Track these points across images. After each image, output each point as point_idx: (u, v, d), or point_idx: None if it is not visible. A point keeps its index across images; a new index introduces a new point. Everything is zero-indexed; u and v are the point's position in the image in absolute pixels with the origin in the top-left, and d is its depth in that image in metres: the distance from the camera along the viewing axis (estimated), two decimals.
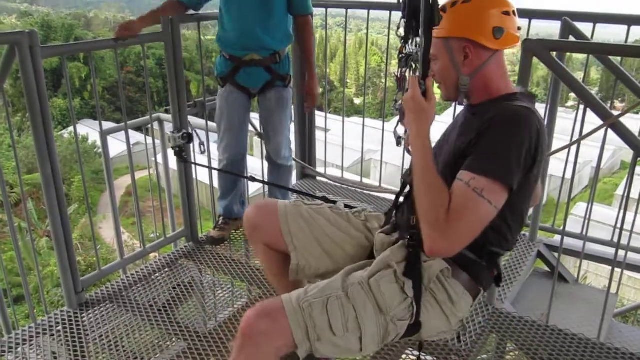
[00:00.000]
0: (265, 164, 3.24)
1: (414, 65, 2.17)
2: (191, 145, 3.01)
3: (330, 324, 1.44)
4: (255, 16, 2.76)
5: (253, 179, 2.79)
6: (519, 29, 1.56)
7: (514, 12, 1.54)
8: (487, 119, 1.43)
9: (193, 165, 3.05)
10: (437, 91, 1.60)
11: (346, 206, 1.97)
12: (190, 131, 2.93)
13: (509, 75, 1.62)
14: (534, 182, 1.51)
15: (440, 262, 1.53)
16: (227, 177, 3.09)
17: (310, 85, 3.11)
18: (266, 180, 3.22)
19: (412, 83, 1.52)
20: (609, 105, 2.52)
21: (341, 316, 1.45)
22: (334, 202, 1.97)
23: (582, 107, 2.32)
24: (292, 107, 3.84)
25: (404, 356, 2.28)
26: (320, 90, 3.28)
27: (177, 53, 2.80)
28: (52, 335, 2.38)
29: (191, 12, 2.93)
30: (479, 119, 1.48)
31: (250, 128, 3.22)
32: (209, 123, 3.20)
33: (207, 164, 3.07)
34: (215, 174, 3.16)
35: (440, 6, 1.50)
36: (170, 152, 3.49)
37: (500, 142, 1.40)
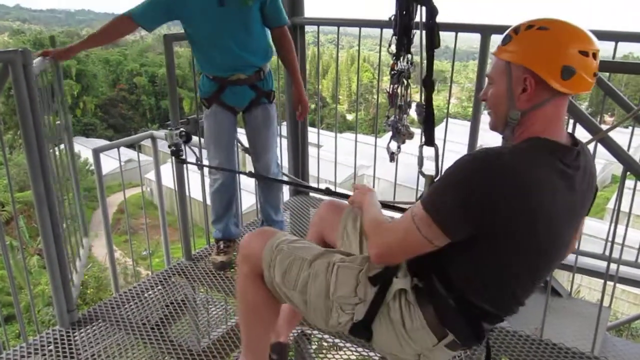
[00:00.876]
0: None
1: (405, 82, 2.20)
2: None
3: (284, 274, 1.66)
4: (234, 35, 2.73)
5: (272, 179, 2.97)
6: (595, 75, 1.35)
7: (594, 54, 1.33)
8: None
9: (187, 182, 3.05)
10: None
11: None
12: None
13: (563, 126, 1.42)
14: (520, 240, 1.34)
15: (404, 282, 1.52)
16: (222, 198, 3.07)
17: (299, 93, 3.08)
18: (258, 197, 3.22)
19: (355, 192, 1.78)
20: (598, 119, 2.55)
21: (296, 275, 1.64)
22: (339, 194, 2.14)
23: (571, 121, 2.34)
24: (285, 123, 3.87)
25: None
26: (313, 106, 3.30)
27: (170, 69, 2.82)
28: (44, 355, 2.35)
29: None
30: None
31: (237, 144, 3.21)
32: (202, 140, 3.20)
33: (201, 172, 3.07)
34: (208, 189, 3.16)
35: (513, 26, 1.40)
36: (164, 169, 3.51)
37: (443, 179, 1.35)
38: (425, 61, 1.87)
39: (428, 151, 1.93)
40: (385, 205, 1.80)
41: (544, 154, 1.33)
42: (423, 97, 1.92)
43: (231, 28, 2.71)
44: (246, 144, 3.12)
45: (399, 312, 1.52)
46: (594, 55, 1.33)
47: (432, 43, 1.49)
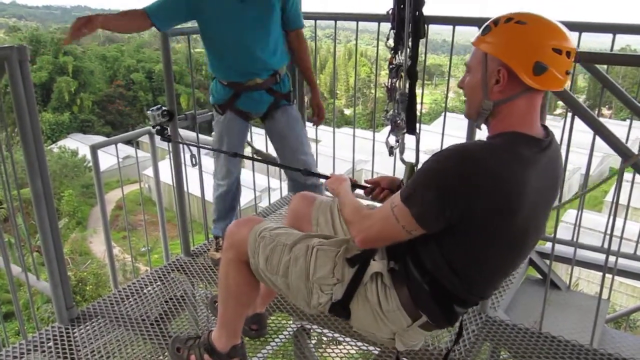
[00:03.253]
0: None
1: (403, 76, 2.20)
2: (182, 155, 3.01)
3: (267, 260, 1.73)
4: (254, 35, 2.62)
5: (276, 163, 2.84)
6: (568, 73, 1.37)
7: (568, 52, 1.34)
8: None
9: (185, 178, 3.05)
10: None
11: None
12: (179, 139, 2.88)
13: (536, 119, 1.44)
14: (493, 234, 1.39)
15: (380, 265, 1.58)
16: (225, 202, 3.02)
17: (316, 97, 3.00)
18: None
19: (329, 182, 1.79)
20: (596, 112, 2.55)
21: (277, 260, 1.71)
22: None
23: (569, 114, 2.34)
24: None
25: None
26: None
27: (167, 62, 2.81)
28: (44, 351, 2.35)
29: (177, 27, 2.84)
30: None
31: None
32: (200, 136, 3.20)
33: (198, 171, 3.06)
34: (207, 188, 3.15)
35: (494, 18, 1.41)
36: (162, 165, 3.50)
37: (421, 171, 1.38)
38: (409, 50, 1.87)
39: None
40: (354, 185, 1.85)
41: (518, 148, 1.36)
42: (406, 86, 1.93)
43: (251, 27, 2.61)
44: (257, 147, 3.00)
45: (375, 293, 1.58)
46: (568, 54, 1.35)
47: (417, 33, 1.49)
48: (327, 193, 2.19)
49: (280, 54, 2.77)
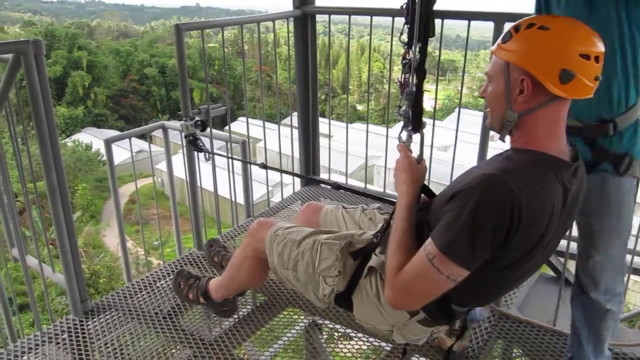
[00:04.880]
0: None
1: (411, 73, 2.16)
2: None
3: (279, 257, 1.83)
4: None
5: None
6: (597, 78, 1.30)
7: (597, 57, 1.28)
8: (465, 183, 1.31)
9: (198, 173, 3.06)
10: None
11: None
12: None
13: (563, 131, 1.38)
14: (524, 254, 1.36)
15: (376, 260, 1.60)
16: None
17: None
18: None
19: (403, 151, 1.64)
20: None
21: (288, 255, 1.80)
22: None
23: None
24: (295, 113, 3.84)
25: None
26: (323, 96, 3.25)
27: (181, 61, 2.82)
28: (58, 343, 2.38)
29: (195, 19, 2.85)
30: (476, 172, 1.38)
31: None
32: (214, 131, 3.20)
33: (212, 162, 3.06)
34: (219, 180, 3.15)
35: (514, 24, 1.35)
36: (175, 159, 3.51)
37: (459, 215, 1.27)
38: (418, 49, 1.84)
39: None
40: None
41: (548, 175, 1.31)
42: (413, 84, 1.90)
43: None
44: None
45: (375, 285, 1.61)
46: (597, 59, 1.28)
47: (427, 31, 1.48)
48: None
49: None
